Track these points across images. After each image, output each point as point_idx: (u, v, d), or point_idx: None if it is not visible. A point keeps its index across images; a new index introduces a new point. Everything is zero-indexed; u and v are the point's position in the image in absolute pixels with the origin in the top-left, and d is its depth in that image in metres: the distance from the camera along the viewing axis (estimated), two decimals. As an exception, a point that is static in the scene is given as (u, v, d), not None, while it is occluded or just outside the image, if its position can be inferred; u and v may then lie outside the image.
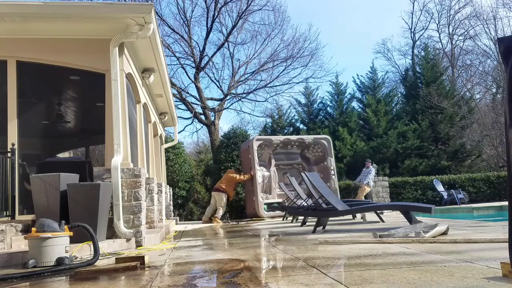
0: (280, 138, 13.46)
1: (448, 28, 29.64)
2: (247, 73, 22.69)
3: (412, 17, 32.04)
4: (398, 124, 20.46)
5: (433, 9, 36.92)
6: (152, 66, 7.72)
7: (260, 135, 23.12)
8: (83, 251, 4.44)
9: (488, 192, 15.51)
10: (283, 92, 23.57)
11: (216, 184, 12.25)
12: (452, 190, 15.09)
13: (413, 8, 31.31)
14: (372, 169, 13.50)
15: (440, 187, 15.42)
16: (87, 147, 11.65)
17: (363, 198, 13.07)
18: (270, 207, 11.78)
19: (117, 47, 5.74)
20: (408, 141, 19.82)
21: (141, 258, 3.66)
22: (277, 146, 12.99)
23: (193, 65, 21.44)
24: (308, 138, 13.33)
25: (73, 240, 4.19)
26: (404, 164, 19.49)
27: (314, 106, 23.23)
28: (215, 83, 22.93)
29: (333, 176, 12.74)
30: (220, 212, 11.60)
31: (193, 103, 21.34)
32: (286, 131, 22.50)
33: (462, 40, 29.15)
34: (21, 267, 3.86)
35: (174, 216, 14.77)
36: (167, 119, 12.26)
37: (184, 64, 21.64)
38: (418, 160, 19.52)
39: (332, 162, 12.85)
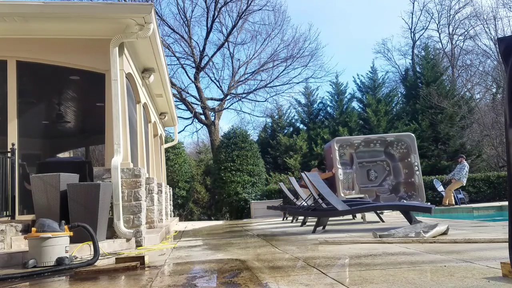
0: (360, 137, 14.16)
1: (448, 28, 29.66)
2: (247, 73, 22.73)
3: (412, 17, 32.21)
4: (398, 124, 20.45)
5: (433, 9, 37.00)
6: (152, 66, 7.72)
7: (260, 135, 23.14)
8: (83, 251, 4.44)
9: (488, 192, 15.50)
10: (283, 92, 23.63)
11: (300, 181, 12.89)
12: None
13: (413, 8, 31.39)
14: (465, 165, 13.17)
15: (440, 187, 15.40)
16: (87, 147, 11.66)
17: (452, 193, 12.98)
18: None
19: (117, 47, 5.75)
20: (408, 141, 19.78)
21: (141, 258, 3.66)
22: (359, 145, 13.76)
23: (193, 65, 21.46)
24: (390, 136, 13.91)
25: (73, 240, 4.19)
26: (404, 164, 19.45)
27: (314, 106, 23.22)
28: (215, 83, 22.98)
29: (417, 172, 13.19)
30: None
31: (193, 103, 21.36)
32: (286, 131, 22.48)
33: (462, 40, 29.17)
34: (21, 267, 3.86)
35: (174, 216, 14.78)
36: (167, 119, 12.27)
37: (184, 64, 21.68)
38: (418, 160, 19.49)
39: (415, 158, 13.30)
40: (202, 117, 21.34)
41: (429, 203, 13.33)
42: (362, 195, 12.76)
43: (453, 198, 13.14)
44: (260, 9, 21.57)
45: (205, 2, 20.52)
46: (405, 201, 13.00)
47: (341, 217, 8.90)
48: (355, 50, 51.89)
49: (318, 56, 25.96)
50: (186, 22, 21.20)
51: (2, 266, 3.99)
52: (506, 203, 11.30)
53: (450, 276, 2.43)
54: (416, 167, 13.27)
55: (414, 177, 13.17)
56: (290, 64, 22.64)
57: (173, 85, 19.56)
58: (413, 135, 13.84)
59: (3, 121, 5.74)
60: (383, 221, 7.30)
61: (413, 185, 13.37)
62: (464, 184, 13.29)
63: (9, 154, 5.41)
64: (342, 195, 12.71)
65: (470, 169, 18.48)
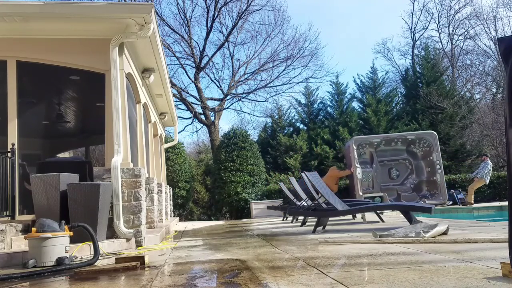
0: (379, 136, 14.33)
1: (448, 28, 29.64)
2: (247, 73, 22.71)
3: (412, 17, 32.14)
4: (398, 124, 20.43)
5: (433, 9, 37.00)
6: (152, 66, 7.72)
7: (260, 135, 23.13)
8: (83, 251, 4.44)
9: (488, 192, 15.48)
10: (283, 92, 23.60)
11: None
12: (452, 190, 15.09)
13: (413, 8, 31.35)
14: (489, 163, 12.91)
15: (460, 195, 15.38)
16: (87, 147, 11.66)
17: (473, 192, 12.88)
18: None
19: (117, 47, 5.75)
20: (408, 141, 19.80)
21: (141, 258, 3.66)
22: (379, 144, 13.88)
23: (193, 65, 21.45)
24: (410, 134, 14.01)
25: (73, 240, 4.19)
26: (404, 164, 19.48)
27: (314, 106, 23.19)
28: (215, 83, 22.95)
29: (439, 171, 13.28)
30: None
31: (193, 103, 21.35)
32: (286, 131, 22.47)
33: (462, 40, 29.15)
34: (21, 267, 3.86)
35: (174, 216, 14.78)
36: (167, 119, 12.27)
37: (184, 64, 21.66)
38: (418, 160, 19.51)
39: (437, 156, 13.38)
40: (202, 117, 21.34)
41: (450, 202, 13.44)
42: (381, 194, 12.91)
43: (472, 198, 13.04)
44: (260, 9, 21.57)
45: (205, 2, 20.52)
46: (426, 200, 13.09)
47: (341, 217, 8.89)
48: (355, 50, 51.90)
49: (318, 56, 25.97)
50: (186, 22, 21.20)
51: (2, 266, 3.99)
52: (506, 203, 11.29)
53: (450, 276, 2.43)
54: (438, 165, 13.35)
55: (436, 176, 13.26)
56: (290, 64, 22.63)
57: (173, 85, 19.55)
58: (435, 133, 13.87)
59: (3, 121, 5.74)
60: (383, 221, 7.29)
61: (435, 184, 13.42)
62: (487, 183, 13.14)
63: (9, 154, 5.42)
64: (361, 193, 12.86)
65: (470, 169, 18.48)
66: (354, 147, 13.40)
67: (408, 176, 13.97)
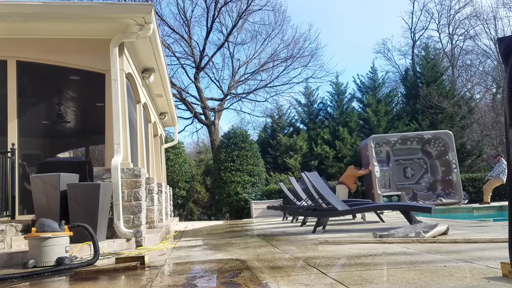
0: (397, 135, 14.33)
1: (448, 28, 29.63)
2: (247, 73, 22.70)
3: (412, 17, 32.13)
4: (398, 124, 20.43)
5: (433, 9, 36.99)
6: (152, 66, 7.72)
7: (260, 135, 23.12)
8: (83, 251, 4.44)
9: (488, 192, 15.49)
10: (283, 92, 23.59)
11: (339, 178, 13.21)
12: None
13: (413, 8, 31.39)
14: (503, 162, 12.67)
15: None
16: (87, 147, 11.67)
17: (490, 192, 12.75)
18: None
19: (117, 47, 5.75)
20: (408, 141, 19.81)
21: (141, 258, 3.66)
22: (395, 142, 13.90)
23: (193, 65, 21.44)
24: (427, 133, 14.05)
25: (73, 240, 4.19)
26: (405, 164, 19.49)
27: (314, 106, 23.19)
28: (215, 83, 22.95)
29: (455, 170, 13.32)
30: None
31: (193, 103, 21.35)
32: (286, 131, 22.47)
33: (462, 40, 29.13)
34: (21, 267, 3.86)
35: (174, 216, 14.78)
36: (167, 119, 12.27)
37: (184, 64, 21.66)
38: (418, 160, 19.51)
39: (453, 156, 13.42)
40: (202, 117, 21.33)
41: (466, 201, 13.47)
42: (399, 193, 13.06)
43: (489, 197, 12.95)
44: (260, 9, 21.56)
45: (205, 2, 20.52)
46: (442, 199, 13.12)
47: (341, 217, 8.89)
48: (355, 50, 51.88)
49: (318, 56, 25.96)
50: (186, 22, 21.20)
51: (2, 266, 3.99)
52: (506, 203, 11.28)
53: (450, 276, 2.43)
54: (454, 165, 13.44)
55: (451, 175, 13.33)
56: (290, 64, 22.63)
57: (173, 85, 19.55)
58: (450, 132, 13.94)
59: (3, 121, 5.74)
60: (383, 221, 7.29)
61: (450, 183, 13.46)
62: (504, 182, 12.93)
63: (9, 154, 5.42)
64: (379, 192, 12.95)
65: (470, 169, 18.47)
66: (372, 146, 13.43)
67: (423, 175, 14.04)
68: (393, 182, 13.64)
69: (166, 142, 14.60)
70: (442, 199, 13.24)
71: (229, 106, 22.86)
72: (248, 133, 17.08)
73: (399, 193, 13.08)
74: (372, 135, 14.41)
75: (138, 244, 5.35)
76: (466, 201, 13.57)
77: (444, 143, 13.71)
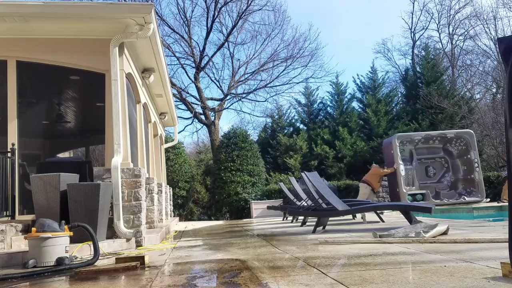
0: (421, 134, 14.34)
1: (448, 28, 29.62)
2: (247, 73, 22.69)
3: (412, 17, 32.16)
4: (398, 124, 20.43)
5: (433, 9, 36.99)
6: (152, 66, 7.72)
7: (260, 135, 23.14)
8: (83, 251, 4.44)
9: (488, 192, 15.49)
10: (283, 92, 23.58)
11: (363, 177, 13.18)
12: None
13: (413, 8, 31.36)
14: None
15: None
16: (87, 147, 11.67)
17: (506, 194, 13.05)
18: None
19: (117, 47, 5.75)
20: (408, 141, 19.79)
21: (141, 258, 3.66)
22: (418, 141, 13.92)
23: (193, 65, 21.44)
24: (450, 132, 14.11)
25: (73, 240, 4.19)
26: (405, 164, 19.46)
27: (314, 106, 23.21)
28: (215, 83, 22.94)
29: (477, 169, 13.37)
30: None
31: (193, 103, 21.34)
32: (286, 131, 22.47)
33: (462, 40, 29.12)
34: (21, 267, 3.86)
35: (174, 216, 14.77)
36: (167, 119, 12.27)
37: (184, 64, 21.65)
38: (418, 160, 19.49)
39: (475, 155, 13.49)
40: (202, 117, 21.33)
41: (488, 199, 13.52)
42: (423, 191, 13.14)
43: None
44: (260, 9, 21.55)
45: (205, 2, 20.51)
46: (466, 197, 13.17)
47: (341, 217, 8.90)
48: (355, 50, 51.87)
49: (318, 56, 25.95)
50: (186, 22, 21.19)
51: (2, 266, 3.99)
52: (506, 203, 11.29)
53: (450, 276, 2.43)
54: (476, 163, 13.51)
55: (474, 174, 13.39)
56: (290, 64, 22.62)
57: (173, 85, 19.55)
58: (472, 132, 14.02)
59: (3, 121, 5.74)
60: (383, 221, 7.30)
61: (472, 182, 13.54)
62: None
63: (9, 154, 5.42)
64: (404, 191, 13.00)
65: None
66: (397, 144, 13.44)
67: (444, 174, 14.11)
68: (416, 180, 13.71)
69: (166, 142, 14.59)
70: (465, 197, 13.30)
71: (229, 106, 22.87)
72: (248, 133, 17.09)
73: (423, 191, 13.13)
74: (396, 134, 14.43)
75: (138, 244, 5.35)
76: (488, 199, 13.64)
77: (466, 142, 13.80)
